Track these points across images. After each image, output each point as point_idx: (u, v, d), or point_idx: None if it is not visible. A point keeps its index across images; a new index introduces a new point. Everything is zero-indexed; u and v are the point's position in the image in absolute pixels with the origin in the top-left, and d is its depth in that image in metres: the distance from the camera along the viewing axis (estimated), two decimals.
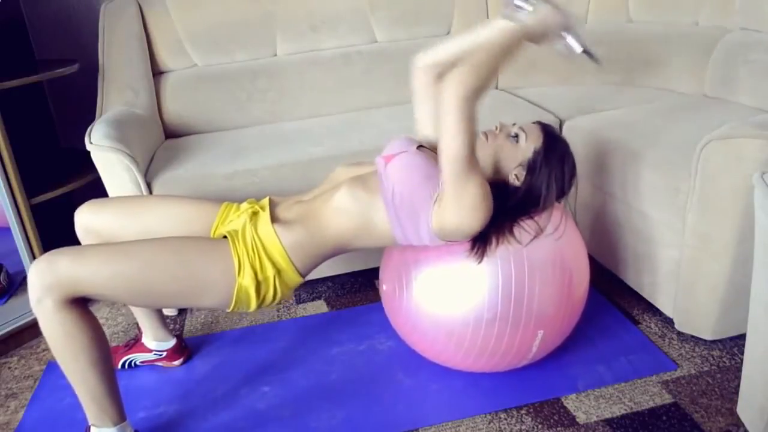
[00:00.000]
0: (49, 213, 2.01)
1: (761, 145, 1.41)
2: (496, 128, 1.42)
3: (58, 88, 2.42)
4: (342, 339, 1.83)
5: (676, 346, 1.71)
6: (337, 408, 1.56)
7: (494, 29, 1.36)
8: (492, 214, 1.31)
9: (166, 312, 2.01)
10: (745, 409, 1.40)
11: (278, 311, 2.02)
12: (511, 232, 1.38)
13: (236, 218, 1.43)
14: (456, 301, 1.42)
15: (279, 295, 1.36)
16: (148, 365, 1.76)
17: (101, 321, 1.81)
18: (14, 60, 2.20)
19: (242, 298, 1.32)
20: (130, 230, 1.43)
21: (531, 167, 1.38)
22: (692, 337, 1.73)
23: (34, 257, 1.91)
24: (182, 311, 2.05)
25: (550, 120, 2.12)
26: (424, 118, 1.56)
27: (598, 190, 1.93)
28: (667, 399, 1.52)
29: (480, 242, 1.37)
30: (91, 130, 1.76)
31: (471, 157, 1.22)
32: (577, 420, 1.47)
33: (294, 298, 2.09)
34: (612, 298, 1.94)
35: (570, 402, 1.53)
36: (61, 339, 1.24)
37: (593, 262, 1.90)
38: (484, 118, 1.32)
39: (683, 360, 1.65)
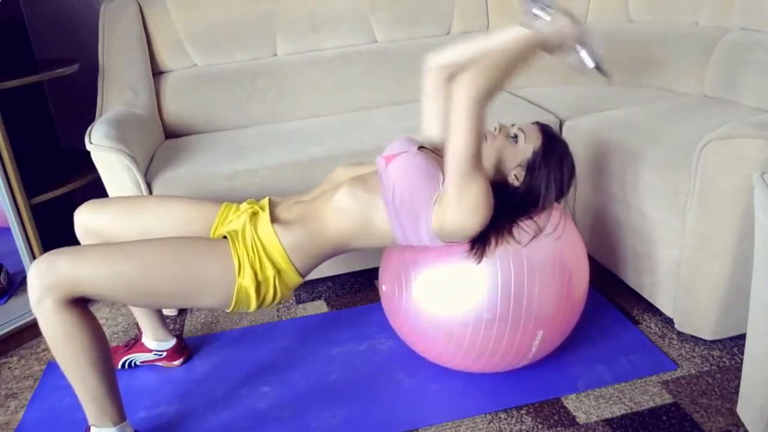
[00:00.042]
0: (49, 213, 2.01)
1: (761, 145, 1.41)
2: (496, 129, 1.42)
3: (58, 88, 2.42)
4: (342, 339, 1.83)
5: (676, 346, 1.71)
6: (337, 408, 1.56)
7: (510, 35, 1.38)
8: (492, 215, 1.31)
9: (166, 312, 2.01)
10: (745, 409, 1.40)
11: (278, 311, 2.02)
12: (511, 233, 1.38)
13: (236, 218, 1.43)
14: (455, 302, 1.42)
15: (279, 295, 1.36)
16: (148, 365, 1.76)
17: (101, 321, 1.81)
18: (14, 60, 2.20)
19: (242, 299, 1.32)
20: (129, 230, 1.43)
21: (530, 168, 1.38)
22: (692, 337, 1.73)
23: (34, 257, 1.91)
24: (182, 311, 2.05)
25: (550, 120, 2.12)
26: (431, 118, 1.56)
27: (598, 190, 1.93)
28: (667, 399, 1.52)
29: (479, 243, 1.37)
30: (91, 130, 1.76)
31: (477, 158, 1.23)
32: (577, 420, 1.47)
33: (294, 298, 2.09)
34: (612, 298, 1.94)
35: (570, 402, 1.53)
36: (61, 339, 1.24)
37: (593, 262, 1.90)
38: None
39: (683, 360, 1.65)
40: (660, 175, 1.67)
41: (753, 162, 1.42)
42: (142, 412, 1.59)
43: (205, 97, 2.30)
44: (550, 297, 1.43)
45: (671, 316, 1.74)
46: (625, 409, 1.50)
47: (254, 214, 1.41)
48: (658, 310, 1.83)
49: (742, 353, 1.62)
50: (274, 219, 1.39)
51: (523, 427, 1.46)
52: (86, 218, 1.45)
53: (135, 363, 1.74)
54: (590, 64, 1.42)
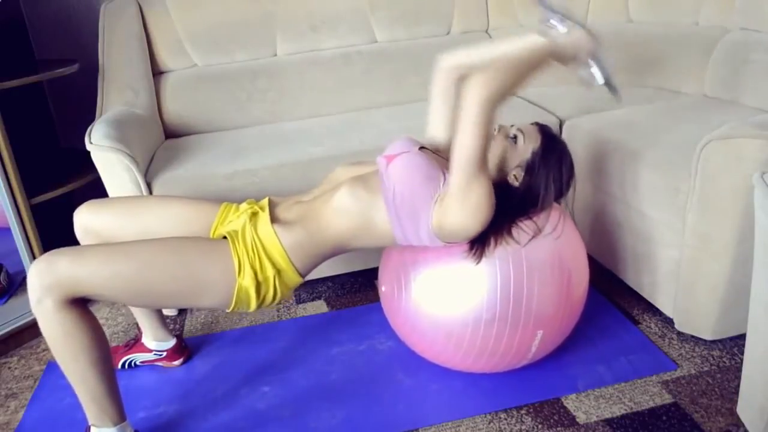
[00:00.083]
0: (49, 213, 2.01)
1: (761, 145, 1.41)
2: (495, 129, 1.42)
3: (58, 88, 2.42)
4: (342, 339, 1.83)
5: (676, 346, 1.71)
6: (337, 408, 1.56)
7: (526, 42, 1.39)
8: (492, 216, 1.31)
9: (166, 312, 2.01)
10: (745, 409, 1.40)
11: (278, 311, 2.02)
12: (510, 233, 1.38)
13: (236, 219, 1.43)
14: (455, 302, 1.42)
15: (279, 295, 1.36)
16: (148, 365, 1.76)
17: (101, 321, 1.81)
18: (14, 60, 2.20)
19: (242, 299, 1.32)
20: (129, 230, 1.43)
21: (529, 168, 1.38)
22: (692, 337, 1.73)
23: (34, 257, 1.91)
24: (182, 311, 2.05)
25: (550, 120, 2.12)
26: (437, 119, 1.57)
27: (598, 190, 1.93)
28: (667, 399, 1.52)
29: (478, 243, 1.37)
30: (91, 130, 1.76)
31: (482, 159, 1.23)
32: (577, 420, 1.47)
33: (294, 298, 2.09)
34: (612, 298, 1.94)
35: (570, 402, 1.53)
36: (61, 339, 1.24)
37: (593, 262, 1.90)
38: None
39: (683, 360, 1.65)
40: (660, 175, 1.67)
41: (753, 162, 1.42)
42: (142, 412, 1.59)
43: (205, 97, 2.30)
44: (550, 297, 1.43)
45: (671, 316, 1.74)
46: (625, 409, 1.50)
47: (254, 214, 1.41)
48: (658, 310, 1.83)
49: (742, 353, 1.62)
50: (274, 219, 1.39)
51: (523, 427, 1.46)
52: (86, 218, 1.45)
53: (135, 363, 1.74)
54: (600, 80, 1.43)
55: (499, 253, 1.38)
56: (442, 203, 1.30)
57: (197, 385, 1.68)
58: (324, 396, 1.60)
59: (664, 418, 1.47)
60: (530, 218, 1.40)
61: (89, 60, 2.29)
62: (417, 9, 2.48)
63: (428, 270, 1.45)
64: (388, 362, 1.72)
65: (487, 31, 2.60)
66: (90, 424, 1.35)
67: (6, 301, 1.99)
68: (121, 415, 1.36)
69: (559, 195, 1.42)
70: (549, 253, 1.42)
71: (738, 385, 1.51)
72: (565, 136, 2.08)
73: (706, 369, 1.61)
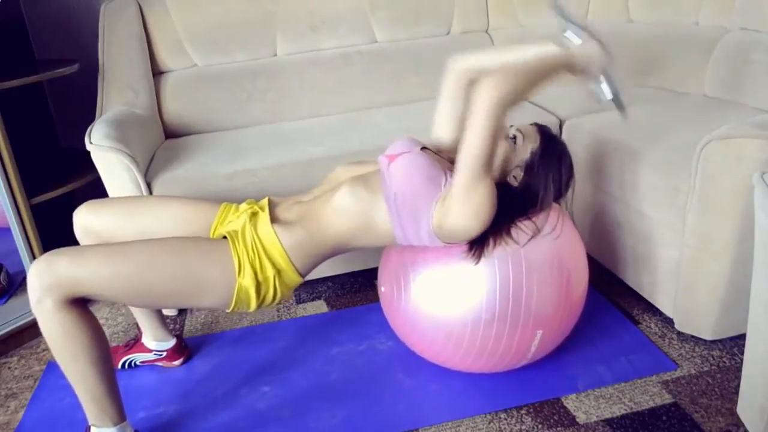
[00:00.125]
0: (49, 213, 2.01)
1: (761, 145, 1.41)
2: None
3: (58, 88, 2.42)
4: (342, 339, 1.83)
5: (676, 346, 1.71)
6: (337, 408, 1.56)
7: (540, 49, 1.39)
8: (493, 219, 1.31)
9: (166, 312, 2.01)
10: (745, 409, 1.40)
11: (278, 311, 2.02)
12: (509, 233, 1.38)
13: (235, 219, 1.43)
14: (454, 302, 1.42)
15: (279, 295, 1.36)
16: (148, 365, 1.76)
17: (101, 321, 1.81)
18: (14, 60, 2.20)
19: (242, 298, 1.32)
20: (128, 231, 1.43)
21: (528, 168, 1.38)
22: (692, 337, 1.73)
23: (34, 257, 1.91)
24: (182, 311, 2.05)
25: (550, 120, 2.12)
26: (443, 119, 1.57)
27: (598, 190, 1.93)
28: (667, 399, 1.52)
29: (477, 243, 1.37)
30: (91, 130, 1.76)
31: (489, 161, 1.24)
32: (577, 420, 1.47)
33: (294, 298, 2.09)
34: (612, 298, 1.94)
35: (570, 402, 1.53)
36: (61, 339, 1.24)
37: (593, 262, 1.90)
38: None
39: (683, 360, 1.65)
40: (660, 175, 1.67)
41: (753, 162, 1.42)
42: (142, 412, 1.59)
43: (205, 97, 2.30)
44: (549, 297, 1.43)
45: (671, 316, 1.74)
46: (625, 409, 1.50)
47: (254, 214, 1.41)
48: (658, 310, 1.83)
49: (742, 353, 1.62)
50: (273, 219, 1.39)
51: (523, 427, 1.46)
52: (85, 218, 1.45)
53: (135, 363, 1.74)
54: (608, 95, 1.44)
55: (499, 254, 1.38)
56: (443, 203, 1.30)
57: (197, 385, 1.68)
58: (324, 396, 1.60)
59: (664, 418, 1.47)
60: (529, 218, 1.40)
61: (89, 60, 2.29)
62: (417, 9, 2.48)
63: (428, 270, 1.45)
64: (388, 362, 1.72)
65: (487, 31, 2.60)
66: (90, 424, 1.35)
67: (6, 301, 1.99)
68: (121, 415, 1.36)
69: (559, 195, 1.42)
70: (548, 253, 1.42)
71: (738, 385, 1.51)
72: (565, 136, 2.08)
73: (706, 369, 1.61)
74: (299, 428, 1.50)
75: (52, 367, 1.79)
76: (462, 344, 1.46)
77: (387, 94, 2.43)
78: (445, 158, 1.49)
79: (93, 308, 2.00)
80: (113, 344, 1.81)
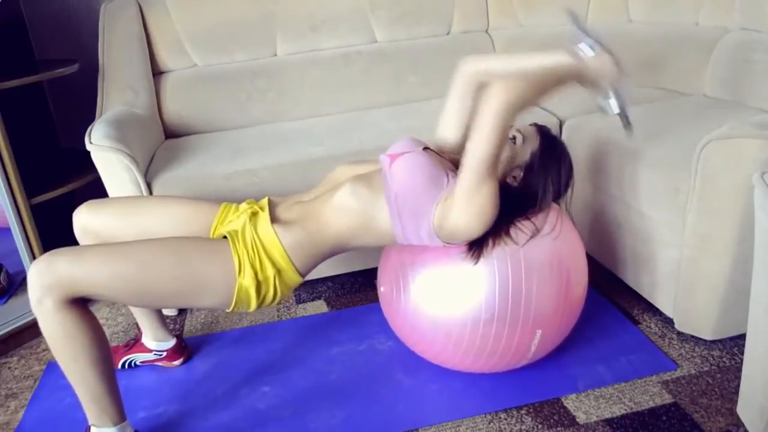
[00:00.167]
0: (49, 213, 2.01)
1: (761, 145, 1.41)
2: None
3: (58, 88, 2.42)
4: (342, 339, 1.83)
5: (676, 346, 1.71)
6: (337, 408, 1.56)
7: (552, 58, 1.40)
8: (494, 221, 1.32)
9: (166, 312, 2.01)
10: (745, 409, 1.40)
11: (278, 311, 2.02)
12: (508, 233, 1.38)
13: (236, 219, 1.43)
14: (453, 302, 1.42)
15: (279, 294, 1.36)
16: (148, 365, 1.76)
17: (101, 321, 1.81)
18: (14, 60, 2.20)
19: (242, 298, 1.32)
20: (128, 231, 1.43)
21: (528, 169, 1.38)
22: (692, 337, 1.73)
23: (34, 257, 1.91)
24: (182, 311, 2.05)
25: (550, 120, 2.12)
26: (450, 119, 1.57)
27: (597, 190, 1.93)
28: (667, 399, 1.52)
29: (476, 244, 1.37)
30: (91, 130, 1.76)
31: (494, 163, 1.24)
32: (577, 420, 1.47)
33: (294, 298, 2.09)
34: (612, 298, 1.94)
35: (570, 402, 1.53)
36: (61, 339, 1.24)
37: (593, 262, 1.90)
38: None
39: (683, 360, 1.65)
40: (660, 175, 1.67)
41: (753, 162, 1.42)
42: (142, 412, 1.59)
43: (205, 97, 2.30)
44: (549, 296, 1.43)
45: (671, 316, 1.74)
46: (625, 409, 1.50)
47: (254, 214, 1.41)
48: (658, 310, 1.83)
49: (742, 353, 1.62)
50: (274, 219, 1.39)
51: (523, 427, 1.46)
52: (85, 219, 1.45)
53: (135, 363, 1.74)
54: (615, 110, 1.45)
55: (498, 254, 1.38)
56: (445, 203, 1.30)
57: (197, 385, 1.68)
58: (324, 396, 1.60)
59: (664, 418, 1.47)
60: (528, 219, 1.40)
61: (89, 60, 2.29)
62: (417, 9, 2.48)
63: (427, 270, 1.45)
64: (388, 362, 1.72)
65: (487, 32, 2.60)
66: (90, 424, 1.35)
67: (6, 301, 1.99)
68: (121, 415, 1.36)
69: (558, 196, 1.42)
70: (547, 253, 1.42)
71: (738, 385, 1.51)
72: (565, 136, 2.08)
73: (706, 369, 1.61)
74: (299, 428, 1.50)
75: (52, 367, 1.79)
76: (462, 344, 1.46)
77: (387, 93, 2.43)
78: (446, 159, 1.50)
79: (93, 308, 2.00)
80: (113, 344, 1.80)
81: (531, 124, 1.44)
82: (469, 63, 1.52)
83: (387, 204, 1.35)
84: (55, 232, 1.93)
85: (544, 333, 1.46)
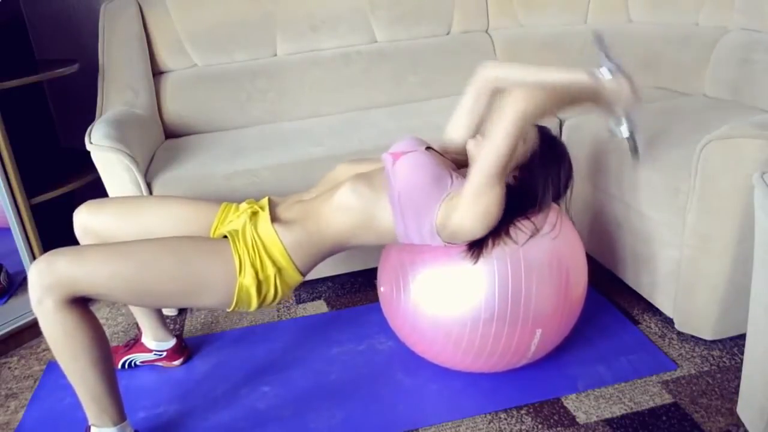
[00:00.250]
0: (49, 213, 2.01)
1: (761, 145, 1.41)
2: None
3: (58, 88, 2.42)
4: (342, 339, 1.83)
5: (676, 346, 1.71)
6: (337, 408, 1.56)
7: (571, 75, 1.43)
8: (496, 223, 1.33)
9: (166, 312, 2.01)
10: (745, 409, 1.40)
11: (278, 311, 2.02)
12: (508, 233, 1.38)
13: (236, 218, 1.43)
14: (453, 302, 1.42)
15: (280, 294, 1.36)
16: (148, 365, 1.76)
17: (101, 321, 1.81)
18: (14, 60, 2.20)
19: (243, 298, 1.32)
20: (128, 231, 1.43)
21: (528, 169, 1.38)
22: (692, 337, 1.73)
23: (34, 257, 1.91)
24: (182, 311, 2.05)
25: (550, 120, 2.12)
26: (460, 119, 1.58)
27: (597, 190, 1.93)
28: (667, 399, 1.52)
29: (476, 243, 1.37)
30: (91, 130, 1.76)
31: (504, 168, 1.26)
32: (577, 420, 1.47)
33: (294, 298, 2.09)
34: (612, 298, 1.94)
35: (570, 402, 1.53)
36: (62, 339, 1.24)
37: (593, 261, 1.90)
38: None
39: (683, 360, 1.65)
40: (660, 175, 1.67)
41: (753, 162, 1.42)
42: (142, 412, 1.59)
43: (205, 97, 2.30)
44: (548, 296, 1.43)
45: (671, 316, 1.74)
46: (625, 409, 1.50)
47: (254, 213, 1.41)
48: (657, 310, 1.83)
49: (742, 353, 1.62)
50: (274, 218, 1.39)
51: (523, 427, 1.46)
52: (85, 218, 1.45)
53: (135, 363, 1.74)
54: (625, 134, 1.51)
55: (497, 253, 1.38)
56: (450, 202, 1.30)
57: (197, 385, 1.68)
58: (324, 396, 1.60)
59: (664, 418, 1.47)
60: (528, 218, 1.41)
61: (89, 60, 2.29)
62: (417, 9, 2.48)
63: (427, 270, 1.45)
64: (388, 362, 1.72)
65: (487, 31, 2.60)
66: (90, 423, 1.35)
67: (6, 301, 1.99)
68: (121, 415, 1.36)
69: (558, 196, 1.42)
70: (547, 253, 1.42)
71: (738, 385, 1.51)
72: (565, 136, 2.08)
73: (706, 369, 1.61)
74: (299, 428, 1.50)
75: (52, 367, 1.79)
76: (461, 343, 1.46)
77: (387, 93, 2.44)
78: (449, 159, 1.50)
79: (93, 308, 2.00)
80: (113, 344, 1.81)
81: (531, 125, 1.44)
82: (488, 68, 1.53)
83: (389, 203, 1.35)
84: (55, 232, 1.93)
85: (544, 332, 1.46)
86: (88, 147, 1.74)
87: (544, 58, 2.49)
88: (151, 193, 1.83)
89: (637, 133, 1.53)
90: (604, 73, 1.42)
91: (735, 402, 1.49)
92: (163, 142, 2.20)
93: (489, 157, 1.24)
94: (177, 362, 1.76)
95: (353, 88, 2.41)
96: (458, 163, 1.53)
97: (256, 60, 2.40)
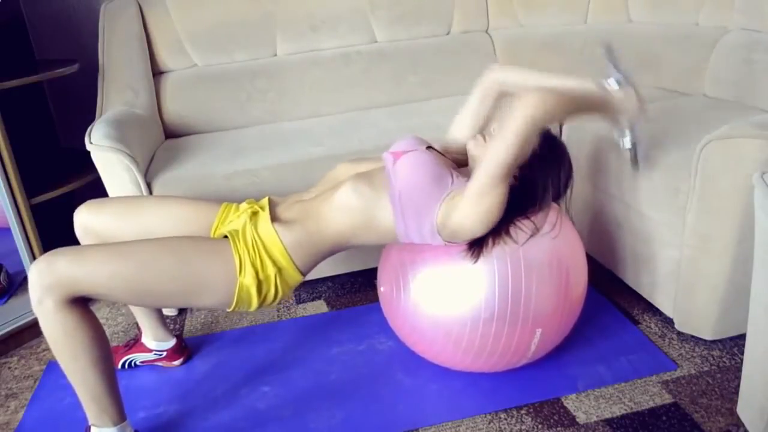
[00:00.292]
0: (49, 213, 2.01)
1: (761, 145, 1.41)
2: (494, 130, 1.43)
3: (58, 88, 2.42)
4: (342, 339, 1.83)
5: (676, 346, 1.71)
6: (337, 408, 1.56)
7: (581, 84, 1.44)
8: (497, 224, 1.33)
9: (166, 312, 2.01)
10: (745, 409, 1.40)
11: (278, 311, 2.02)
12: (508, 233, 1.38)
13: (236, 218, 1.43)
14: (453, 301, 1.42)
15: (280, 293, 1.36)
16: (148, 365, 1.76)
17: (101, 321, 1.80)
18: (14, 60, 2.20)
19: (243, 298, 1.32)
20: (128, 231, 1.43)
21: (528, 169, 1.38)
22: (692, 337, 1.73)
23: (34, 257, 1.91)
24: (182, 311, 2.05)
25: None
26: (465, 119, 1.58)
27: (597, 190, 1.93)
28: (667, 399, 1.52)
29: (476, 243, 1.37)
30: (91, 130, 1.76)
31: (510, 171, 1.26)
32: (577, 420, 1.47)
33: (294, 298, 2.09)
34: (612, 298, 1.94)
35: (570, 402, 1.53)
36: (62, 339, 1.24)
37: (593, 261, 1.90)
38: None
39: (683, 360, 1.65)
40: (660, 175, 1.67)
41: (753, 162, 1.42)
42: (142, 412, 1.59)
43: (205, 97, 2.30)
44: (548, 295, 1.43)
45: (671, 316, 1.74)
46: (625, 409, 1.50)
47: (254, 213, 1.41)
48: (657, 310, 1.83)
49: (742, 353, 1.62)
50: (274, 218, 1.39)
51: (523, 427, 1.46)
52: (85, 218, 1.45)
53: (135, 363, 1.74)
54: (627, 145, 1.54)
55: (497, 253, 1.38)
56: (452, 201, 1.30)
57: (197, 385, 1.68)
58: (324, 396, 1.60)
59: (664, 418, 1.47)
60: (528, 218, 1.41)
61: (89, 60, 2.29)
62: (417, 9, 2.48)
63: (427, 270, 1.45)
64: (388, 362, 1.72)
65: (487, 31, 2.60)
66: (90, 423, 1.35)
67: (6, 301, 1.99)
68: (121, 415, 1.36)
69: (558, 196, 1.43)
70: (547, 253, 1.42)
71: (738, 385, 1.51)
72: (565, 136, 2.08)
73: (706, 369, 1.62)
74: (299, 428, 1.50)
75: (52, 367, 1.79)
76: (461, 343, 1.46)
77: (387, 93, 2.44)
78: (450, 159, 1.50)
79: (93, 308, 2.00)
80: (113, 344, 1.81)
81: None
82: (496, 70, 1.53)
83: (390, 202, 1.35)
84: (55, 232, 1.93)
85: (544, 332, 1.46)
86: (88, 147, 1.74)
87: (544, 58, 2.49)
88: (151, 193, 1.83)
89: (639, 144, 1.55)
90: (612, 84, 1.43)
91: (735, 402, 1.49)
92: (163, 142, 2.20)
93: (495, 158, 1.24)
94: (177, 362, 1.76)
95: (353, 88, 2.41)
96: (459, 162, 1.53)
97: (256, 60, 2.40)
